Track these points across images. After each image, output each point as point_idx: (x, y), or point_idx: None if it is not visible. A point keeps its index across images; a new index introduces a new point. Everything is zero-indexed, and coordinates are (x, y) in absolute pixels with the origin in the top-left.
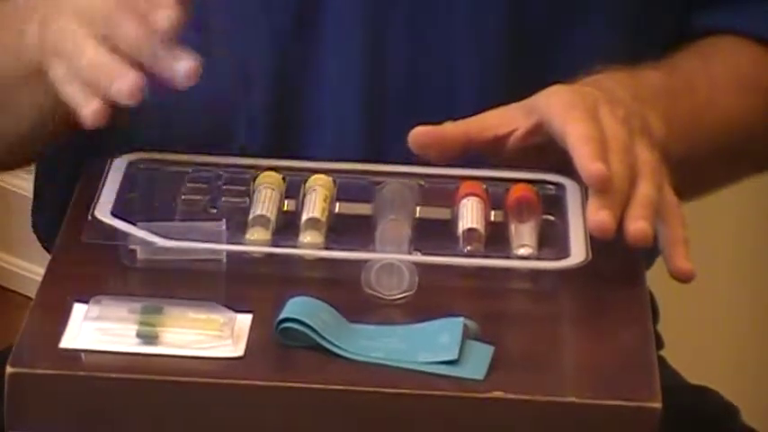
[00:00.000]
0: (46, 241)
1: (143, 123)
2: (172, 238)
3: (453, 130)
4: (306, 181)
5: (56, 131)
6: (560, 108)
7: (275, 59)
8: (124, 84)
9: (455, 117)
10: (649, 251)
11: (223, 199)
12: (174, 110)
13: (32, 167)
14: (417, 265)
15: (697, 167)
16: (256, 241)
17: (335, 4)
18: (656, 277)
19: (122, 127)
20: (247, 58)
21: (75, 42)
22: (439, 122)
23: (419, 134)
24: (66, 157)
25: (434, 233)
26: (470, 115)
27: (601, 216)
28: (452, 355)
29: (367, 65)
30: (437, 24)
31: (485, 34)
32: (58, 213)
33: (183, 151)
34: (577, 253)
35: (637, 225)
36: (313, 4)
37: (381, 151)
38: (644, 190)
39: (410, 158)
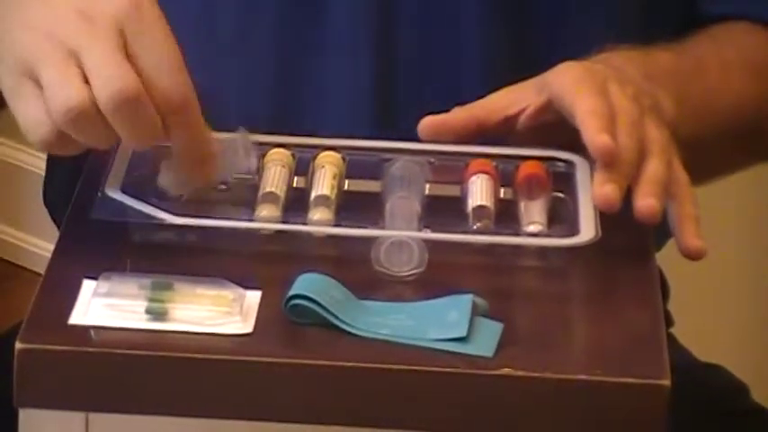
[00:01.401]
0: (55, 215)
1: None
2: (181, 215)
3: (462, 116)
4: (315, 158)
5: None
6: (570, 84)
7: (279, 26)
8: None
9: (466, 85)
10: (661, 233)
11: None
12: None
13: None
14: (427, 242)
15: (705, 151)
16: (266, 218)
17: None
18: (665, 255)
19: None
20: (250, 20)
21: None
22: (449, 93)
23: (428, 125)
24: None
25: (444, 210)
26: (480, 84)
27: (606, 189)
28: (461, 333)
29: (376, 34)
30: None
31: (493, 8)
32: (69, 188)
33: None
34: (587, 230)
35: (645, 202)
36: None
37: (393, 122)
38: (653, 167)
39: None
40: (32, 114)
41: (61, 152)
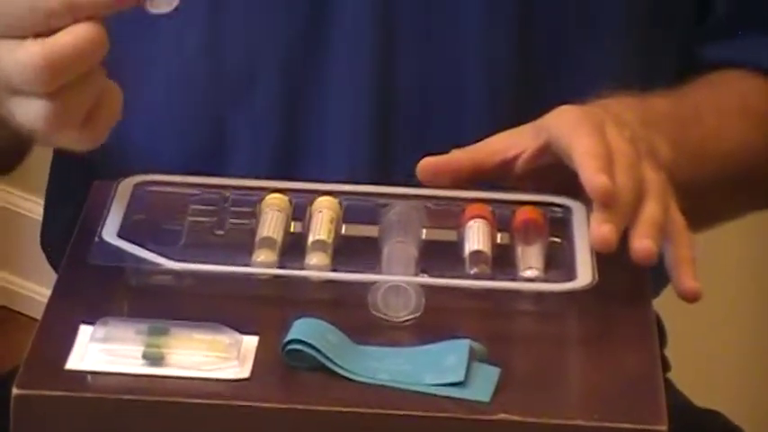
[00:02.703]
0: (54, 260)
1: (155, 138)
2: (178, 260)
3: (461, 157)
4: (312, 203)
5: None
6: (567, 125)
7: (283, 63)
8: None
9: (466, 125)
10: (658, 279)
11: (230, 221)
12: (171, 116)
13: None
14: (424, 287)
15: (703, 196)
16: (263, 263)
17: (346, 7)
18: (662, 300)
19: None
20: (255, 60)
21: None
22: (451, 129)
23: (427, 165)
24: (76, 177)
25: (441, 255)
26: (481, 124)
27: (603, 230)
28: (459, 377)
29: (377, 72)
30: (447, 34)
31: (494, 45)
32: (67, 233)
33: (192, 171)
34: (584, 275)
35: (642, 243)
36: (324, 9)
37: (391, 162)
38: (650, 209)
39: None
40: (24, 105)
41: (75, 108)
